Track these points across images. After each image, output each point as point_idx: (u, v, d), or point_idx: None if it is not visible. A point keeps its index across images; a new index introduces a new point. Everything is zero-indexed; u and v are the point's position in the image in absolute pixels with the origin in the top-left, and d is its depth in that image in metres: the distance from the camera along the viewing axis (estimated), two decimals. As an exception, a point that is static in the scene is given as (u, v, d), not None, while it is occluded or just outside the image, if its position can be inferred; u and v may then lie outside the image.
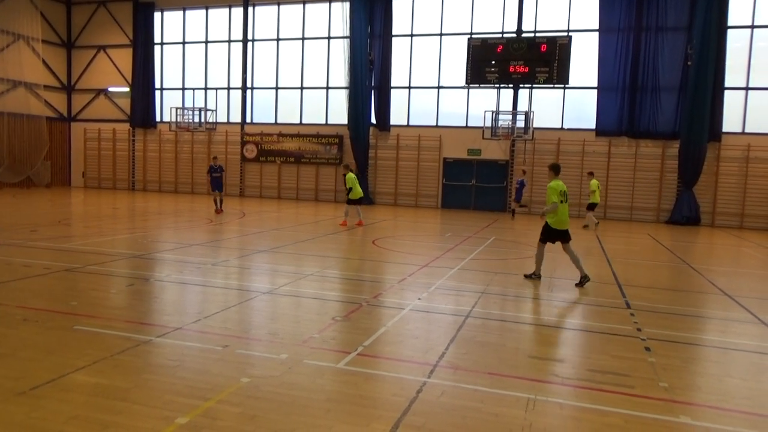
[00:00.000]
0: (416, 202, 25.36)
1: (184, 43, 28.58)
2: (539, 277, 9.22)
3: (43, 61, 28.39)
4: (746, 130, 21.46)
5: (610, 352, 5.73)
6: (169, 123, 27.69)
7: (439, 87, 24.97)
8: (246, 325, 6.36)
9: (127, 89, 29.25)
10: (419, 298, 7.59)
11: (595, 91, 22.90)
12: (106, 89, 29.92)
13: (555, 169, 9.01)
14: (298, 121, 26.97)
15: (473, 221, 19.48)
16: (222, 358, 5.07)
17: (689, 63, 21.21)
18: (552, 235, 8.95)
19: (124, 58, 29.22)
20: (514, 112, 23.44)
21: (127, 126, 29.59)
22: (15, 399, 4.05)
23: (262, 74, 27.48)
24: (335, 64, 26.08)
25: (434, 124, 25.12)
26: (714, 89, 21.04)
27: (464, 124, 24.69)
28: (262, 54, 27.40)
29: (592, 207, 18.36)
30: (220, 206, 19.04)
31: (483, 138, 23.49)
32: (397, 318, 6.65)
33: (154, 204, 20.45)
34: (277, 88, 27.23)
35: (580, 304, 8.03)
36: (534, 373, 5.01)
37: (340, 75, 25.84)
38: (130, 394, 4.25)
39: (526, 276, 9.34)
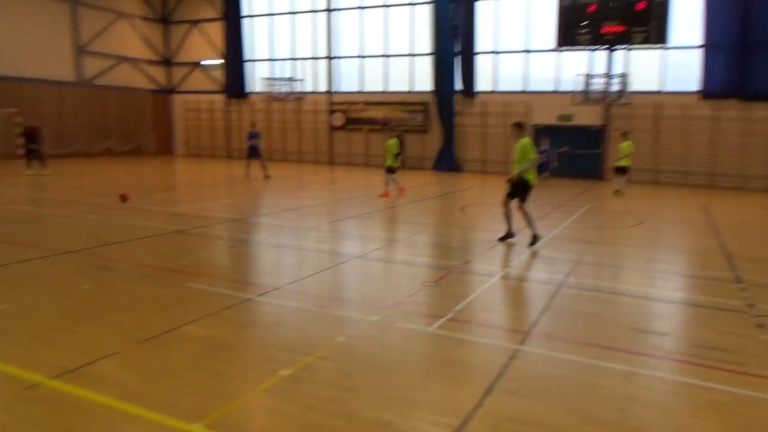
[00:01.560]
0: (506, 169, 24.80)
1: (271, 14, 29.19)
2: (513, 235, 8.98)
3: (144, 37, 30.06)
4: None
5: (716, 327, 5.42)
6: (260, 93, 28.62)
7: (527, 51, 24.02)
8: (339, 287, 6.59)
9: (219, 62, 30.42)
10: (510, 266, 7.51)
11: (699, 50, 21.10)
12: (201, 62, 31.27)
13: (521, 128, 9.02)
14: (384, 90, 26.98)
15: (565, 189, 18.83)
16: (318, 318, 5.30)
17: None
18: (527, 191, 8.82)
19: (216, 32, 30.30)
20: (608, 75, 22.13)
21: (222, 97, 30.89)
22: (139, 346, 4.47)
23: (348, 43, 27.62)
24: (419, 30, 25.71)
25: (522, 89, 24.29)
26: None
27: (554, 89, 23.69)
28: (347, 23, 27.48)
29: (622, 171, 17.28)
30: (265, 171, 19.06)
31: (574, 104, 22.45)
32: (487, 285, 6.63)
33: (250, 171, 21.30)
34: (362, 57, 27.31)
35: (682, 276, 7.63)
36: (633, 346, 4.86)
37: (425, 41, 25.47)
38: (237, 346, 4.56)
39: (500, 239, 9.00)
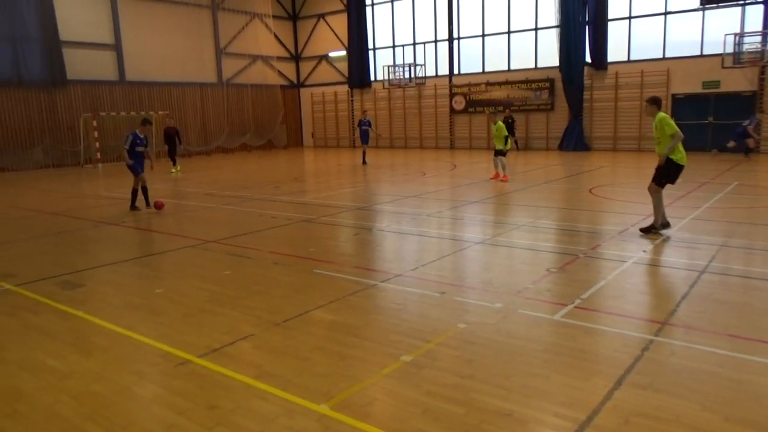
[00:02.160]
0: (639, 145, 23.07)
1: (392, 1, 29.46)
2: (665, 226, 7.83)
3: (275, 35, 31.82)
4: None
5: None
6: (383, 81, 29.14)
7: (666, 13, 21.97)
8: (460, 273, 6.58)
9: (344, 53, 31.37)
10: (644, 251, 7.01)
11: None
12: (327, 54, 32.47)
13: (658, 103, 7.82)
14: (506, 68, 26.19)
15: (711, 164, 17.11)
16: (440, 304, 5.34)
17: None
18: (676, 174, 7.76)
19: (340, 23, 31.25)
20: (765, 32, 19.59)
21: (345, 87, 31.88)
22: (272, 329, 4.81)
23: (469, 23, 27.13)
24: (544, 1, 24.54)
25: (660, 56, 22.30)
26: None
27: (698, 53, 21.46)
28: (469, 2, 26.96)
29: None
30: (364, 159, 20.53)
31: (722, 67, 20.19)
32: (618, 271, 6.25)
33: (371, 159, 21.91)
34: (483, 35, 26.69)
35: None
36: (790, 339, 4.34)
37: (550, 13, 24.27)
38: (361, 331, 4.74)
39: (643, 231, 7.90)
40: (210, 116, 28.62)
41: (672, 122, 7.64)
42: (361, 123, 20.68)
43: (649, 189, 7.92)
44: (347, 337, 4.60)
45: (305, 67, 33.82)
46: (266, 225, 9.35)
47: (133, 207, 11.20)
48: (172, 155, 19.45)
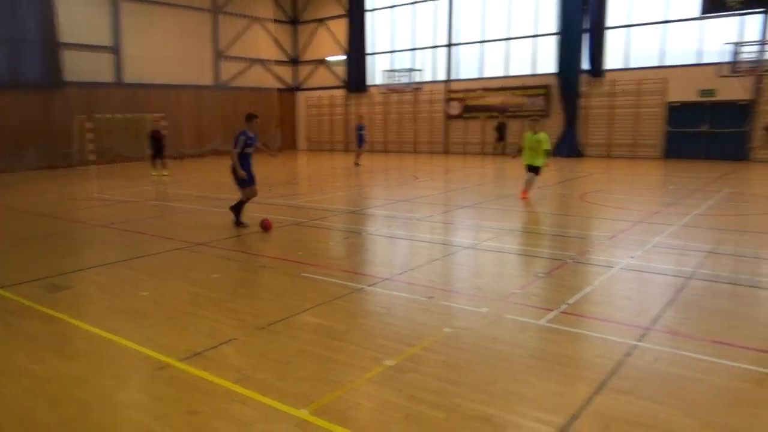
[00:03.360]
0: (633, 152, 23.14)
1: (392, 6, 29.53)
2: None
3: (275, 39, 31.83)
4: None
5: None
6: (379, 86, 29.17)
7: (665, 21, 22.07)
8: (449, 278, 6.56)
9: (342, 57, 31.40)
10: (632, 257, 7.01)
11: None
12: (325, 58, 32.51)
13: None
14: (503, 74, 26.25)
15: (703, 172, 17.16)
16: (426, 309, 5.32)
17: None
18: None
19: (341, 28, 31.30)
20: (764, 41, 19.68)
21: (342, 91, 31.91)
22: (256, 333, 4.78)
23: (468, 29, 27.20)
24: (544, 9, 24.63)
25: (658, 64, 22.39)
26: None
27: (695, 62, 21.55)
28: (468, 8, 27.04)
29: None
30: (358, 159, 21.72)
31: (719, 76, 20.28)
32: (605, 276, 6.25)
33: (365, 163, 21.92)
34: (482, 42, 26.76)
35: (844, 268, 6.65)
36: (774, 346, 4.33)
37: (549, 20, 24.36)
38: (346, 335, 4.71)
39: None
40: (205, 119, 28.56)
41: None
42: (358, 127, 21.98)
43: None
44: (332, 341, 4.58)
45: (303, 71, 33.85)
46: (256, 228, 9.32)
47: (240, 222, 9.39)
48: (157, 158, 19.34)
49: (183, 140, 26.92)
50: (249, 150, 9.22)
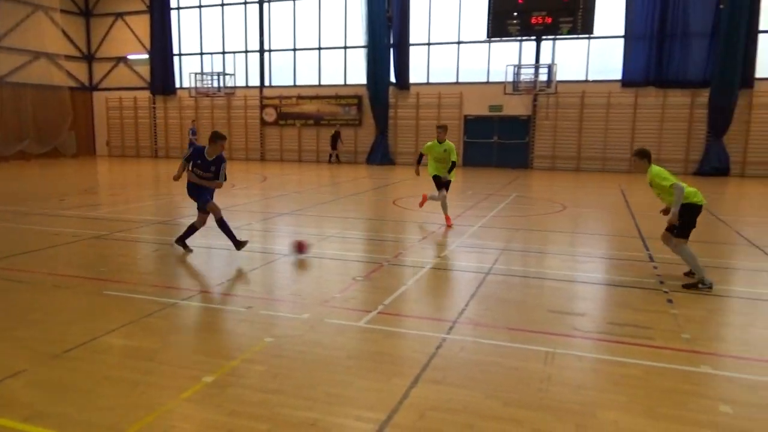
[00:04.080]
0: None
1: (200, 6, 28.30)
2: (708, 285, 6.18)
3: (63, 31, 28.43)
4: (781, 75, 20.63)
5: (631, 305, 5.71)
6: (189, 89, 27.74)
7: (459, 42, 24.40)
8: (269, 286, 6.48)
9: (146, 56, 29.23)
10: (439, 257, 7.62)
11: (621, 40, 22.10)
12: (126, 57, 29.96)
13: (648, 156, 6.50)
14: (317, 83, 26.73)
15: (495, 178, 19.30)
16: (246, 319, 5.19)
17: (722, 6, 20.25)
18: (696, 216, 6.37)
19: (142, 25, 29.11)
20: (537, 65, 22.85)
21: (147, 93, 29.71)
22: (50, 362, 4.22)
23: (280, 36, 27.16)
24: (353, 22, 25.63)
25: (455, 80, 24.67)
26: (748, 33, 20.15)
27: (485, 80, 24.19)
28: (279, 15, 27.01)
29: None
30: None
31: (504, 93, 23.03)
32: (417, 276, 6.70)
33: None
34: (294, 50, 26.93)
35: (603, 258, 7.98)
36: (554, 327, 5.03)
37: (359, 33, 25.42)
38: (158, 354, 4.39)
39: (687, 286, 6.25)
40: (-24, 119, 24.49)
41: (667, 174, 6.33)
42: (192, 132, 23.50)
43: (675, 247, 6.51)
44: (142, 363, 4.22)
45: (100, 69, 30.78)
46: (48, 243, 8.24)
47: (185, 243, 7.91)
48: None
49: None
50: (201, 174, 7.50)
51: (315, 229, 9.93)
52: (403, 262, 7.39)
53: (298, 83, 27.12)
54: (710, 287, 6.12)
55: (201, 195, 7.65)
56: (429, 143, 10.02)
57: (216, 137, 7.40)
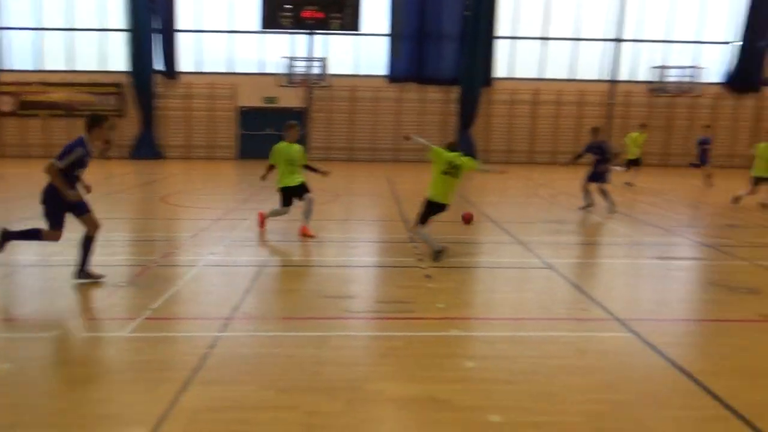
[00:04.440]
0: (210, 154, 24.23)
1: None
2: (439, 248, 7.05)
3: None
4: (513, 76, 24.25)
5: (395, 283, 6.22)
6: None
7: (231, 31, 23.67)
8: (6, 304, 5.56)
9: None
10: (212, 253, 7.34)
11: (386, 38, 23.70)
12: None
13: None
14: (67, 68, 23.58)
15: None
16: (-26, 346, 4.39)
17: (467, 13, 23.02)
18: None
19: None
20: (310, 58, 23.30)
21: None
22: None
23: (20, 12, 23.26)
24: (113, 2, 23.09)
25: (227, 71, 23.93)
26: (488, 37, 23.25)
27: (260, 71, 23.92)
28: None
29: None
30: None
31: (278, 85, 23.06)
32: (188, 276, 6.36)
33: None
34: (39, 29, 23.34)
35: (370, 242, 8.53)
36: (327, 312, 5.22)
37: (118, 16, 22.99)
38: None
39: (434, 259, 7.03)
40: None
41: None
42: None
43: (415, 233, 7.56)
44: None
45: None
46: None
47: (86, 273, 5.99)
48: None
49: None
50: (80, 172, 5.92)
51: (70, 234, 8.79)
52: (174, 262, 6.97)
53: (44, 68, 23.61)
54: (441, 250, 7.00)
55: None
56: (277, 146, 8.49)
57: None
